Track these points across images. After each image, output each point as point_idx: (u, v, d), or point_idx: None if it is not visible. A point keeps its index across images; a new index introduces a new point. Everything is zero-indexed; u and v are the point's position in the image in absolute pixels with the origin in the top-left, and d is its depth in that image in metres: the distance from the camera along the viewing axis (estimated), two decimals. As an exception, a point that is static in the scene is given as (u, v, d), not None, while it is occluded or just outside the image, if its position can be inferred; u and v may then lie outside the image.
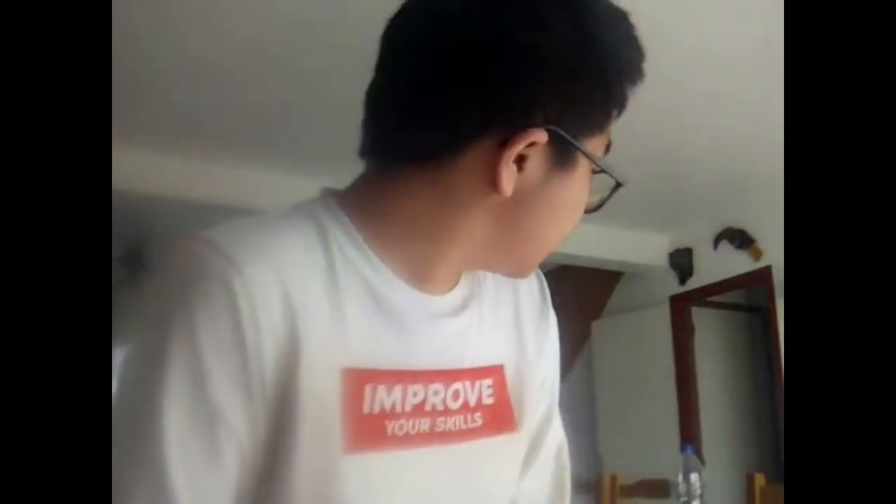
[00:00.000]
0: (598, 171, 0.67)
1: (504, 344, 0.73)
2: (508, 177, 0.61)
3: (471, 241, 0.66)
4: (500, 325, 0.74)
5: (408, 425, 0.63)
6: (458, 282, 0.71)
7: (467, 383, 0.68)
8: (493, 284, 0.75)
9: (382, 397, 0.62)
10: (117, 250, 4.61)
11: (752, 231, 4.12)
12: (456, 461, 0.67)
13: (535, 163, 0.62)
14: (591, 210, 0.70)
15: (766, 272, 3.99)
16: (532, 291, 0.80)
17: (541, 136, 0.60)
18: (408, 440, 0.63)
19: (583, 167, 0.65)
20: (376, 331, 0.63)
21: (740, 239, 4.19)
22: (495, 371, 0.71)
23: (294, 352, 0.58)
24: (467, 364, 0.69)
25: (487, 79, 0.60)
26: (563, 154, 0.63)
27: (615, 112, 0.66)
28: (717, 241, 4.34)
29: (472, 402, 0.68)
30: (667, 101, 2.95)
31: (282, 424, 0.58)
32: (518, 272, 0.73)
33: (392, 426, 0.62)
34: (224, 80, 2.82)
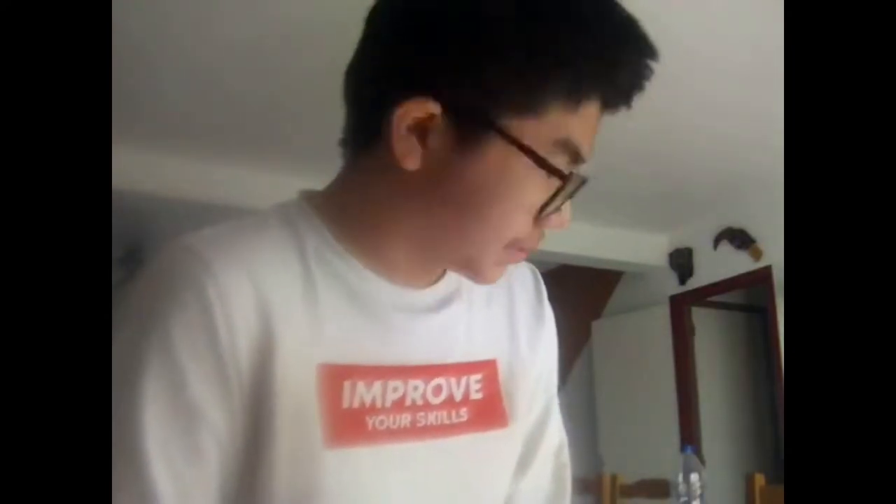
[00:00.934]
0: (550, 166, 0.61)
1: (497, 340, 0.73)
2: (405, 149, 0.60)
3: (412, 232, 0.65)
4: (492, 320, 0.74)
5: (388, 420, 0.63)
6: (443, 275, 0.71)
7: (452, 379, 0.68)
8: None
9: (362, 392, 0.63)
10: (117, 250, 4.61)
11: (752, 231, 4.12)
12: (442, 456, 0.67)
13: (437, 138, 0.61)
14: (551, 211, 0.64)
15: (766, 272, 3.99)
16: (527, 288, 0.79)
17: (433, 106, 0.59)
18: (389, 435, 0.63)
19: (500, 150, 0.60)
20: (354, 328, 0.64)
21: (740, 239, 4.19)
22: (486, 366, 0.71)
23: (269, 350, 0.59)
24: (452, 359, 0.69)
25: (393, 53, 0.62)
26: (468, 131, 0.60)
27: (559, 97, 0.60)
28: (717, 241, 4.34)
29: (458, 397, 0.68)
30: (667, 101, 2.94)
31: (260, 420, 0.59)
32: (468, 272, 0.68)
33: (372, 421, 0.63)
34: (224, 81, 2.82)
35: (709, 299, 4.56)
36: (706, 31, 2.51)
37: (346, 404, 0.62)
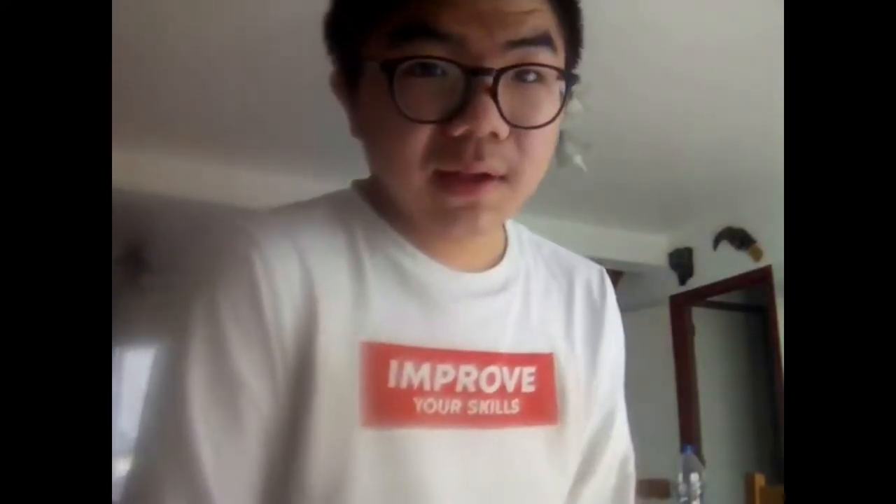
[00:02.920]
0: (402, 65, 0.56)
1: (553, 334, 0.70)
2: (348, 117, 0.64)
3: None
4: (549, 312, 0.71)
5: (437, 404, 0.61)
6: (499, 261, 0.69)
7: (505, 368, 0.66)
8: (545, 273, 0.73)
9: (410, 373, 0.61)
10: (117, 250, 4.61)
11: (752, 231, 4.12)
12: (492, 447, 0.64)
13: (342, 93, 0.65)
14: (550, 120, 0.59)
15: (766, 272, 3.99)
16: (589, 287, 0.76)
17: (336, 71, 0.64)
18: (438, 419, 0.61)
19: (367, 74, 0.60)
20: (403, 308, 0.62)
21: (740, 239, 4.19)
22: (541, 360, 0.68)
23: (312, 323, 0.59)
24: (505, 348, 0.66)
25: None
26: (349, 72, 0.63)
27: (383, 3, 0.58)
28: (717, 241, 4.34)
29: (510, 387, 0.66)
30: (667, 95, 2.94)
31: (300, 396, 0.58)
32: (423, 221, 0.62)
33: (421, 403, 0.61)
34: (225, 81, 2.82)
35: (709, 299, 4.56)
36: (706, 23, 2.50)
37: (392, 383, 0.60)
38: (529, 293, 0.70)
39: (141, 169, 3.30)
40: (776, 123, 2.48)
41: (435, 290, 0.64)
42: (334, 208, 0.66)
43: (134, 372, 5.69)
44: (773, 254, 3.95)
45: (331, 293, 0.60)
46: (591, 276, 0.76)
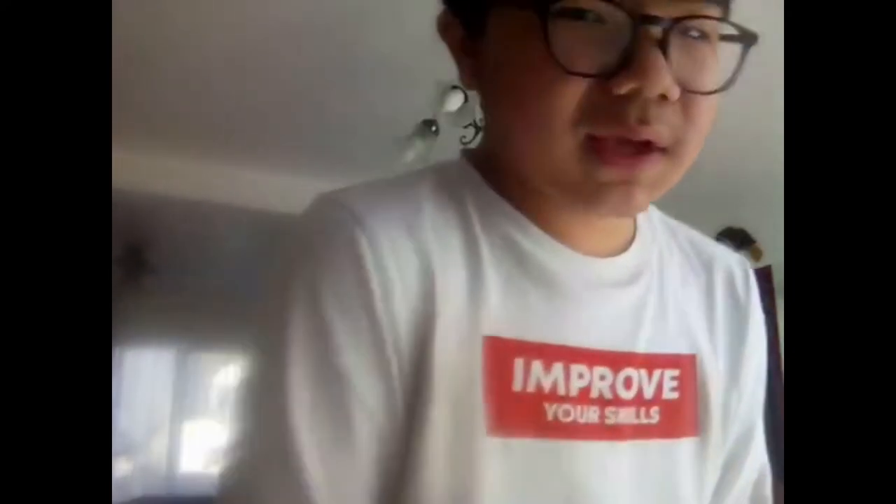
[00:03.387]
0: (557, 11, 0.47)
1: (692, 330, 0.61)
2: (460, 67, 0.56)
3: (512, 167, 0.56)
4: (688, 304, 0.62)
5: (575, 412, 0.53)
6: (628, 245, 0.61)
7: (643, 371, 0.56)
8: (680, 260, 0.65)
9: (539, 374, 0.52)
10: (117, 250, 4.61)
11: (752, 231, 4.12)
12: (631, 463, 0.56)
13: (458, 41, 0.56)
14: (723, 87, 0.53)
15: (766, 272, 3.99)
16: (731, 280, 0.66)
17: (447, 14, 0.56)
18: (575, 431, 0.53)
19: (502, 16, 0.52)
20: (524, 297, 0.54)
21: (740, 239, 4.19)
22: (685, 361, 0.59)
23: (429, 313, 0.51)
24: (642, 348, 0.57)
25: None
26: (470, 21, 0.54)
27: None
28: (716, 241, 4.33)
29: (649, 394, 0.57)
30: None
31: (417, 397, 0.51)
32: (567, 192, 0.54)
33: (554, 410, 0.52)
34: (224, 81, 2.82)
35: (709, 299, 4.55)
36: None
37: (518, 386, 0.51)
38: (664, 284, 0.61)
39: (141, 169, 3.30)
40: (776, 123, 2.48)
41: (561, 276, 0.55)
42: (443, 180, 0.57)
43: (134, 372, 5.69)
44: (773, 254, 3.95)
45: (447, 280, 0.51)
46: (734, 266, 0.67)
